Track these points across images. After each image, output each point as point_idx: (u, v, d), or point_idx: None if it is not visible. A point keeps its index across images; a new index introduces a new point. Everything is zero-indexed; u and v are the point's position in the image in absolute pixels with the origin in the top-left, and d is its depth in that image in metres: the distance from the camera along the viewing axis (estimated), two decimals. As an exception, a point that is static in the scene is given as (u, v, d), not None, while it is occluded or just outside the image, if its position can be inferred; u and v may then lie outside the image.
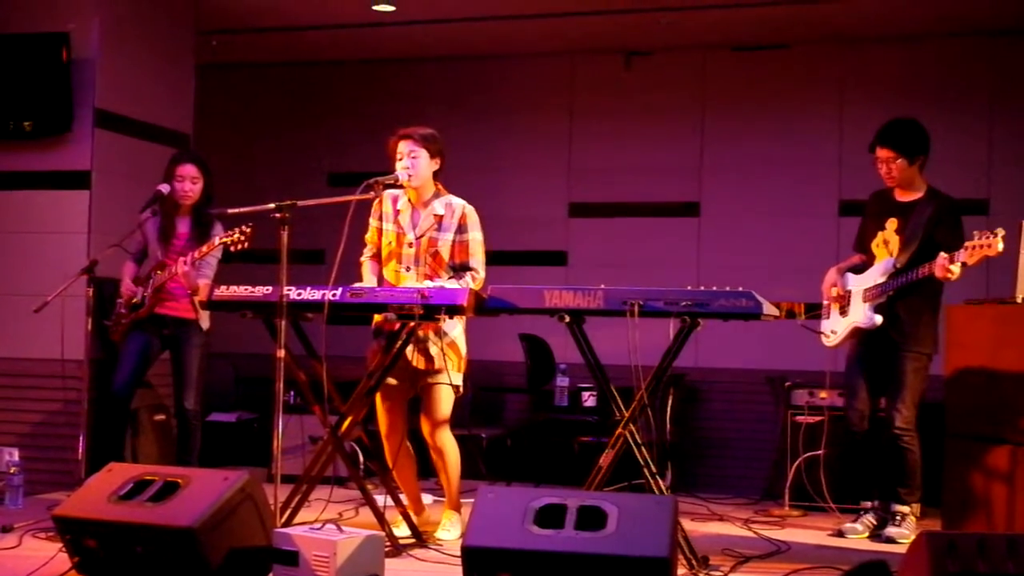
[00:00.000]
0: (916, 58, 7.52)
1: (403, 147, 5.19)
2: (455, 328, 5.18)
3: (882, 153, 5.49)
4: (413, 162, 5.16)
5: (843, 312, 5.59)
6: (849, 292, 5.59)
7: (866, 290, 5.48)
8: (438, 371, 5.13)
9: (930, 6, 6.95)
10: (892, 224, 5.53)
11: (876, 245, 5.59)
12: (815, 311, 5.85)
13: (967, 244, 5.01)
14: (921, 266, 5.27)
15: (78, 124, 6.42)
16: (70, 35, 6.39)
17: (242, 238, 5.32)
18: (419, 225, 5.21)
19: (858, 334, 5.54)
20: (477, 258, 5.19)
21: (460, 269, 5.18)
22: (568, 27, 7.60)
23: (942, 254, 5.15)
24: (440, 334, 5.09)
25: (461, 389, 5.23)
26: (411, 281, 5.12)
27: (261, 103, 8.74)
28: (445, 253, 5.17)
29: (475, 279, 5.15)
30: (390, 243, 5.26)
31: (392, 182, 5.07)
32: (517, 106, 8.23)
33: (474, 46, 8.12)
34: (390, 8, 7.24)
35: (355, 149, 8.30)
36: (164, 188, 5.73)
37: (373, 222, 5.36)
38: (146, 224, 5.82)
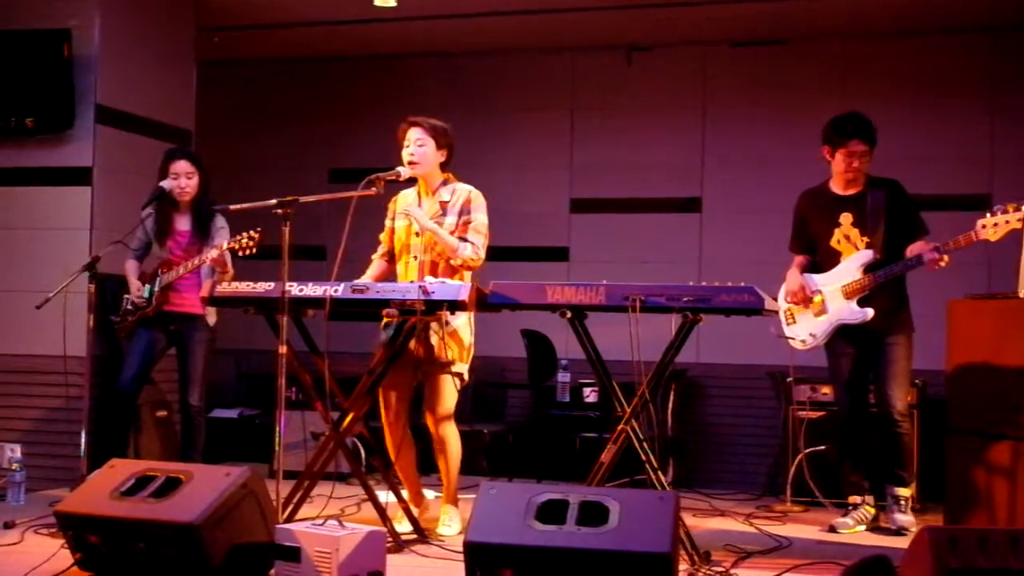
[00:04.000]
0: (917, 53, 7.51)
1: (411, 134, 5.22)
2: (459, 318, 5.18)
3: (859, 147, 5.50)
4: (419, 150, 5.19)
5: (818, 313, 5.58)
6: (818, 292, 5.58)
7: (845, 286, 5.49)
8: (438, 360, 5.13)
9: (930, 0, 6.94)
10: (847, 218, 5.56)
11: (836, 242, 5.60)
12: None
13: (984, 223, 5.02)
14: (905, 260, 5.34)
15: (80, 121, 6.41)
16: (71, 32, 6.39)
17: (250, 243, 5.30)
18: (425, 213, 5.22)
19: (842, 329, 5.55)
20: (477, 236, 5.16)
21: None
22: (569, 23, 7.60)
23: (926, 248, 5.22)
24: (442, 323, 5.11)
25: (465, 378, 5.25)
26: (418, 270, 5.15)
27: (262, 99, 8.73)
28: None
29: (472, 249, 5.11)
30: (400, 238, 5.29)
31: (393, 177, 5.07)
32: (518, 102, 8.22)
33: (475, 42, 8.11)
34: (391, 4, 7.23)
35: (357, 145, 8.30)
36: (165, 184, 5.74)
37: (387, 222, 5.41)
38: (148, 220, 5.83)
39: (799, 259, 5.77)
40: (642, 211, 7.94)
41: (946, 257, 5.20)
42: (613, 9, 7.27)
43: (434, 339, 5.12)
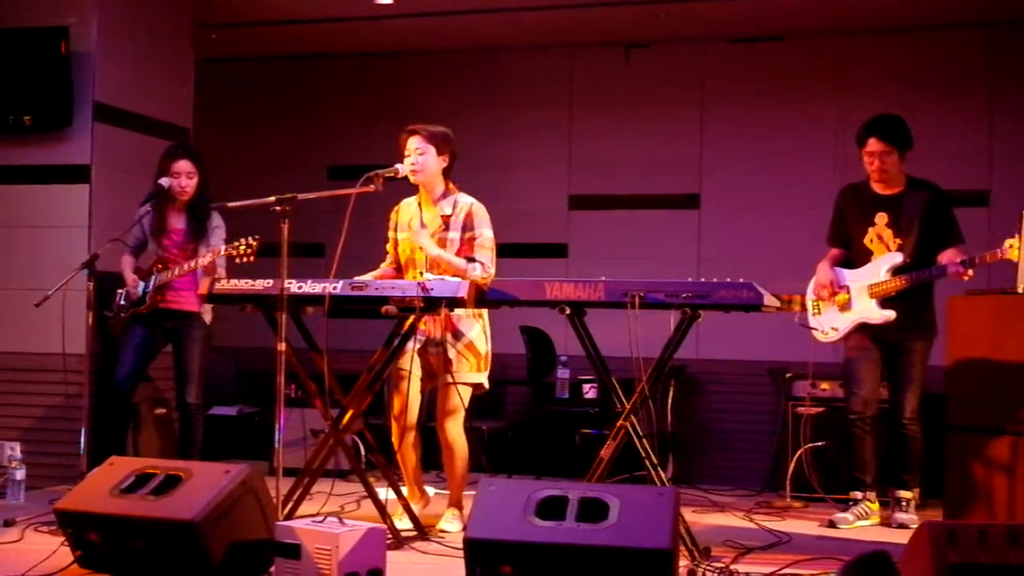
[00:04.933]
0: (915, 49, 7.51)
1: (411, 144, 5.21)
2: (472, 329, 5.21)
3: (877, 147, 5.53)
4: (420, 159, 5.18)
5: (843, 308, 5.62)
6: (846, 287, 5.61)
7: (871, 285, 5.52)
8: (454, 372, 5.16)
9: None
10: (882, 219, 5.59)
11: (869, 241, 5.64)
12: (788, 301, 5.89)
13: (1012, 243, 5.08)
14: (931, 268, 5.39)
15: (78, 118, 6.41)
16: (69, 29, 6.38)
17: (248, 251, 5.28)
18: (427, 227, 5.23)
19: (863, 327, 5.58)
20: (484, 253, 5.17)
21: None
22: (567, 20, 7.60)
23: (957, 256, 5.27)
24: (457, 336, 5.17)
25: (486, 386, 5.31)
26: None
27: (260, 96, 8.73)
28: (453, 252, 5.17)
29: (482, 268, 5.12)
30: (404, 251, 5.32)
31: (392, 174, 5.06)
32: (517, 99, 8.22)
33: (473, 39, 8.10)
34: (389, 1, 7.23)
35: (355, 142, 8.30)
36: (165, 182, 5.73)
37: (390, 233, 5.41)
38: (146, 218, 5.82)
39: (833, 252, 5.80)
40: (641, 207, 7.94)
41: (970, 271, 5.25)
42: (611, 5, 7.27)
43: (451, 352, 5.16)
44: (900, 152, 5.53)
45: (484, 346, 5.27)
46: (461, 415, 5.22)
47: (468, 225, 5.19)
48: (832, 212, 5.88)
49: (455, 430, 5.24)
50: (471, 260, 5.14)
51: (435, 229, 5.21)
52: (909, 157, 5.68)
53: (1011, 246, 5.09)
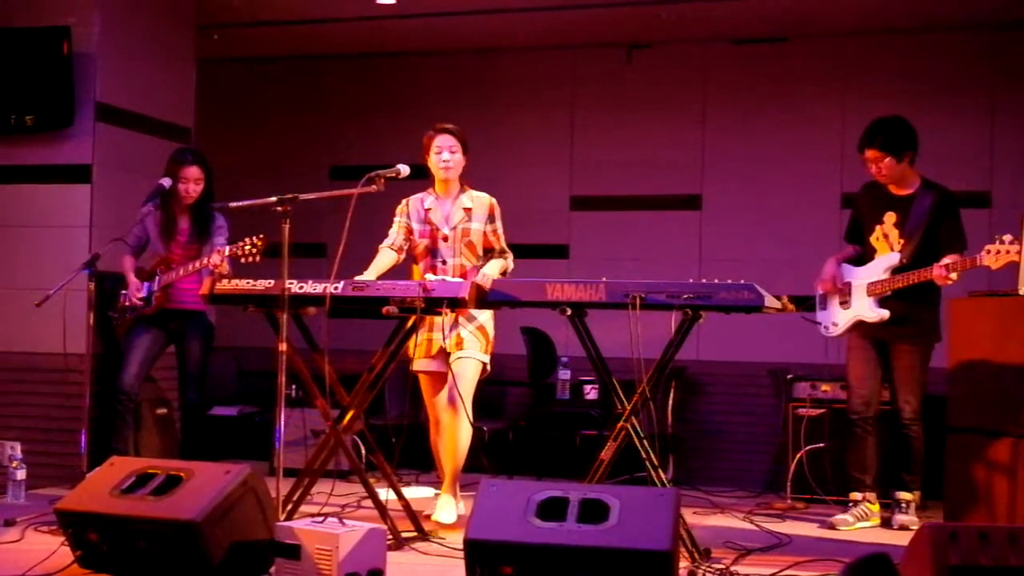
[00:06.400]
0: (917, 50, 7.51)
1: (442, 141, 5.39)
2: (484, 313, 5.39)
3: (870, 154, 5.55)
4: (453, 156, 5.39)
5: (844, 304, 5.64)
6: (849, 284, 5.64)
7: (870, 284, 5.54)
8: (466, 350, 5.34)
9: (930, -2, 6.96)
10: (890, 218, 5.59)
11: (875, 239, 5.65)
12: (808, 302, 5.89)
13: (989, 248, 5.05)
14: (921, 270, 5.36)
15: (79, 118, 6.41)
16: (71, 29, 6.38)
17: (253, 250, 5.29)
18: (451, 218, 5.42)
19: (861, 325, 5.58)
20: (503, 242, 5.51)
21: (496, 255, 5.47)
22: (568, 21, 7.60)
23: (946, 259, 5.26)
24: (470, 319, 5.36)
25: (488, 368, 5.44)
26: (448, 272, 5.34)
27: (262, 97, 8.73)
28: (477, 242, 5.43)
29: (508, 257, 5.47)
30: (423, 241, 5.43)
31: (393, 175, 5.06)
32: (518, 100, 8.22)
33: (475, 40, 8.11)
34: (391, 1, 7.23)
35: (357, 143, 8.30)
36: (166, 182, 5.73)
37: (400, 219, 5.54)
38: (147, 218, 5.83)
39: (848, 249, 5.85)
40: (642, 208, 7.94)
41: (953, 275, 5.25)
42: (613, 6, 7.26)
43: (464, 332, 5.32)
44: (897, 157, 5.52)
45: (491, 330, 5.48)
46: (468, 393, 5.30)
47: (492, 217, 5.46)
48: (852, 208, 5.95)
49: (464, 408, 5.26)
50: (499, 255, 5.46)
51: (458, 220, 5.42)
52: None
53: (988, 252, 5.07)
